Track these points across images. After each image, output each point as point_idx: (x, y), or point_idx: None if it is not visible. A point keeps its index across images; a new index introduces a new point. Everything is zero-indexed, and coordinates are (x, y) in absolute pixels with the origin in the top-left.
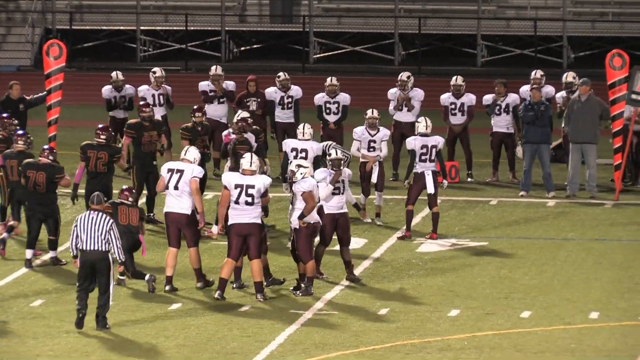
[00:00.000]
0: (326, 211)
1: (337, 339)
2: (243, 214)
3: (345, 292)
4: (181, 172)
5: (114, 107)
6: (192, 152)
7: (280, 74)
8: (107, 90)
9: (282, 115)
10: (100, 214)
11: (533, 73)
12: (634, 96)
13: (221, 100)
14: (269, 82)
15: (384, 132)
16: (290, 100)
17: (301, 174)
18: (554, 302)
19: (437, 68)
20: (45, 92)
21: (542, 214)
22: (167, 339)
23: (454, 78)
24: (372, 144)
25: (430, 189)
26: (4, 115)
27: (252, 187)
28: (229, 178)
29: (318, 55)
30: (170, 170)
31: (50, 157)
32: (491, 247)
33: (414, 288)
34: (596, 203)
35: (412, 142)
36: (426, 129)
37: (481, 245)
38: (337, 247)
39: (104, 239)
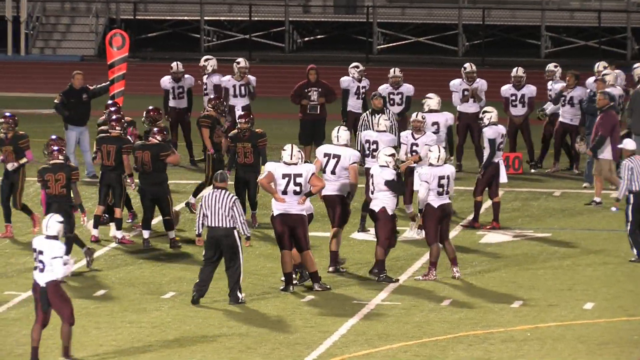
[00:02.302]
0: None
1: (400, 330)
2: (290, 205)
3: (408, 283)
4: (338, 157)
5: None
6: (344, 135)
7: (358, 64)
8: (165, 80)
9: (356, 105)
10: (224, 191)
11: (597, 65)
12: None
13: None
14: (333, 73)
15: (429, 137)
16: (364, 90)
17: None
18: (618, 294)
19: (500, 59)
20: (108, 82)
21: (605, 205)
22: (230, 329)
23: (515, 69)
24: (414, 147)
25: (504, 178)
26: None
27: (300, 175)
28: (275, 167)
29: (382, 46)
30: (327, 155)
31: (158, 138)
32: (554, 238)
33: (476, 279)
34: None
35: (497, 131)
36: (497, 118)
37: (544, 236)
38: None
39: (228, 215)
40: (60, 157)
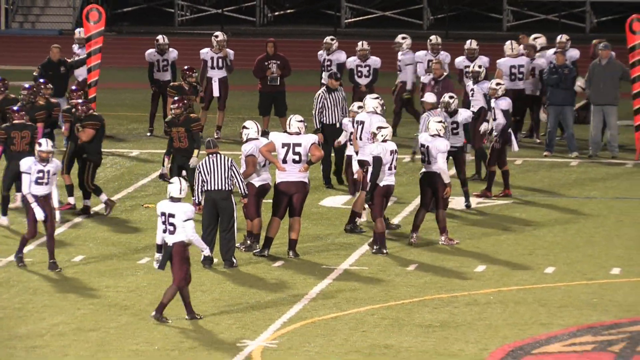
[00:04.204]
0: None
1: (368, 294)
2: (290, 173)
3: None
4: (362, 123)
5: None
6: (369, 103)
7: (328, 38)
8: (150, 53)
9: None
10: (219, 155)
11: (559, 37)
12: None
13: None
14: (303, 46)
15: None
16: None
17: (245, 135)
18: (577, 259)
19: (464, 32)
20: (85, 55)
21: (565, 174)
22: (204, 293)
23: (468, 42)
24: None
25: (516, 147)
26: (41, 80)
27: (299, 145)
28: (277, 136)
29: (349, 20)
30: (356, 122)
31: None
32: (516, 205)
33: (441, 245)
34: (617, 163)
35: (509, 103)
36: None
37: (506, 203)
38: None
39: (228, 177)
40: (26, 117)
